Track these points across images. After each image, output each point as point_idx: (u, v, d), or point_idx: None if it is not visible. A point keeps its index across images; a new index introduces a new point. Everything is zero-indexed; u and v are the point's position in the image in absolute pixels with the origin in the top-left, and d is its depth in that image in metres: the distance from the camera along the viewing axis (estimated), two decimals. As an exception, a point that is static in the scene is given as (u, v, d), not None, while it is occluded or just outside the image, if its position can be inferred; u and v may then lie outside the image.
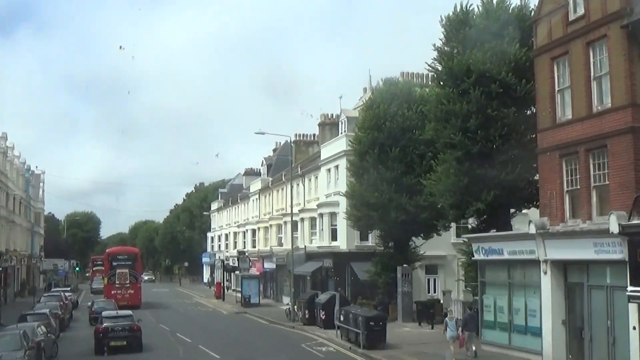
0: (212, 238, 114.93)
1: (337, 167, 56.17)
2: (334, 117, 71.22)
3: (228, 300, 72.82)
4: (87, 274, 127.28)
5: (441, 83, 38.89)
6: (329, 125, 70.81)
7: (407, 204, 45.70)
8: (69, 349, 37.39)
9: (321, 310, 44.50)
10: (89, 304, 54.75)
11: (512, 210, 39.02)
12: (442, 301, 49.63)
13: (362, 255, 53.56)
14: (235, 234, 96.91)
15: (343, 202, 54.07)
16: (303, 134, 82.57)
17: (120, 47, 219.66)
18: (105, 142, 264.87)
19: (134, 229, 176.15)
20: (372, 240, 54.53)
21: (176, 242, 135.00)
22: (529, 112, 36.67)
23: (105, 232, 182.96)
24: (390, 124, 46.54)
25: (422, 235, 48.63)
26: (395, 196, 45.85)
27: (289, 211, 67.66)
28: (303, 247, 61.13)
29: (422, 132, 45.57)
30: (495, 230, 36.91)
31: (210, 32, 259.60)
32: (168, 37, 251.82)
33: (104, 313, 40.84)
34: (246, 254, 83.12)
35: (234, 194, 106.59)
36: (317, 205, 58.01)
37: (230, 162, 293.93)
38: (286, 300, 67.30)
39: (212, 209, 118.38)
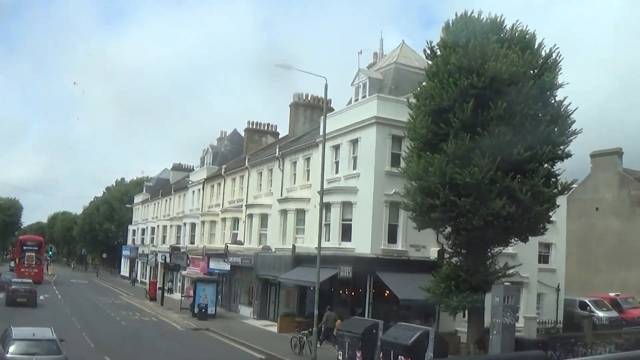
0: (134, 231, 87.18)
1: (354, 141, 31.55)
2: (309, 97, 46.83)
3: (169, 305, 46.13)
4: (7, 256, 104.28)
5: None
6: (303, 107, 46.41)
7: (519, 189, 21.97)
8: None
9: (400, 358, 19.64)
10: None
11: None
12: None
13: (391, 263, 29.19)
14: (164, 227, 69.93)
15: (366, 188, 29.75)
16: (255, 122, 57.28)
17: (75, 83, 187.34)
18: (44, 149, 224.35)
19: (52, 218, 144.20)
20: (401, 244, 30.08)
21: (94, 233, 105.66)
22: None
23: (27, 219, 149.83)
24: (495, 66, 22.55)
25: (523, 237, 24.97)
26: (499, 176, 22.02)
27: (252, 201, 42.85)
28: (289, 247, 35.72)
29: (532, 86, 22.74)
30: None
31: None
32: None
33: (14, 280, 46.52)
34: (181, 250, 57.00)
35: (160, 187, 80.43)
36: (318, 192, 32.70)
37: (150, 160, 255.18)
38: (244, 311, 42.07)
39: (135, 201, 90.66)
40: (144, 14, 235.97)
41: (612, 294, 42.61)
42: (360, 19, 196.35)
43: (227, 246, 44.78)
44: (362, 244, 29.64)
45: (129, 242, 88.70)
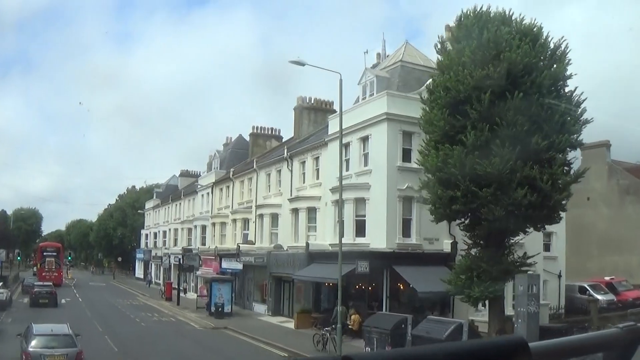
0: (147, 235, 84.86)
1: (365, 138, 29.51)
2: (313, 101, 44.80)
3: (185, 305, 43.90)
4: (30, 262, 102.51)
5: None
6: (307, 110, 44.34)
7: (539, 178, 19.99)
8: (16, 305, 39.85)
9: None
10: (23, 279, 56.15)
11: None
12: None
13: (406, 256, 27.11)
14: (175, 230, 67.65)
15: (378, 184, 27.69)
16: (259, 127, 55.13)
17: (80, 103, 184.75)
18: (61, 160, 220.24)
19: (70, 226, 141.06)
20: (415, 238, 28.05)
21: (109, 238, 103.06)
22: None
23: (47, 228, 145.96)
24: (510, 56, 20.62)
25: (540, 226, 23.08)
26: (519, 166, 20.07)
27: (262, 202, 40.71)
28: (302, 245, 33.61)
29: (546, 76, 20.77)
30: None
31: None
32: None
33: (36, 283, 46.76)
34: (193, 251, 54.65)
35: (169, 193, 78.06)
36: (331, 190, 30.64)
37: (157, 168, 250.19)
38: (258, 308, 39.89)
39: (146, 207, 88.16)
40: (150, 34, 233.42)
41: (607, 278, 40.83)
42: (350, 32, 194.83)
43: (239, 246, 42.60)
44: (377, 238, 27.59)
45: (142, 245, 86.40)
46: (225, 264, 47.18)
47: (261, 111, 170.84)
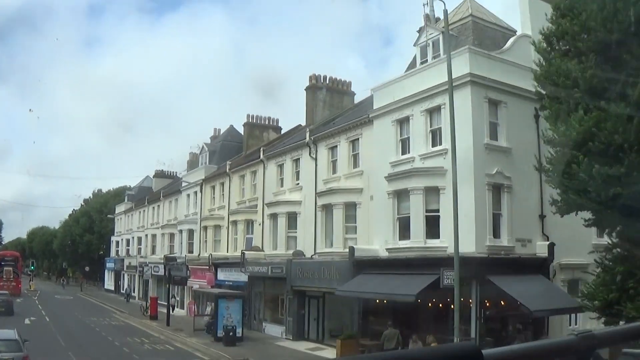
0: (118, 242, 75.94)
1: (434, 109, 22.24)
2: (328, 80, 37.72)
3: (176, 325, 35.94)
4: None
5: None
6: (320, 90, 37.17)
7: None
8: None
9: None
10: None
11: None
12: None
13: (496, 264, 20.18)
14: (153, 236, 59.45)
15: (459, 168, 20.50)
16: (254, 116, 47.59)
17: (30, 110, 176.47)
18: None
19: (31, 233, 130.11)
20: (507, 239, 21.11)
21: (74, 246, 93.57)
22: None
23: (7, 236, 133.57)
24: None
25: None
26: None
27: (273, 199, 33.43)
28: (338, 250, 26.31)
29: None
30: None
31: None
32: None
33: None
34: (178, 260, 46.51)
35: (142, 195, 69.63)
36: (387, 178, 23.25)
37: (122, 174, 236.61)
38: (272, 330, 32.48)
39: (117, 211, 79.36)
40: (120, 38, 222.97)
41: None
42: (322, 41, 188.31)
43: (244, 254, 34.94)
44: (460, 240, 20.41)
45: (113, 253, 77.41)
46: (222, 275, 39.72)
47: (235, 116, 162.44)
